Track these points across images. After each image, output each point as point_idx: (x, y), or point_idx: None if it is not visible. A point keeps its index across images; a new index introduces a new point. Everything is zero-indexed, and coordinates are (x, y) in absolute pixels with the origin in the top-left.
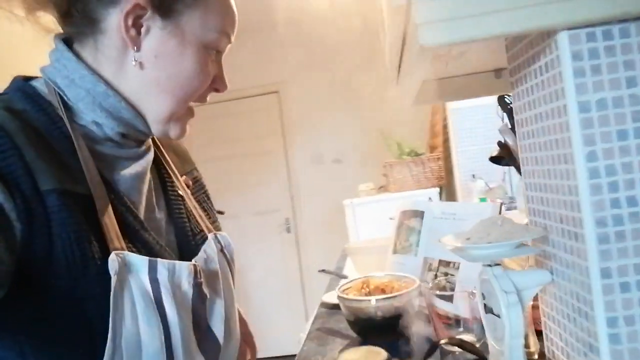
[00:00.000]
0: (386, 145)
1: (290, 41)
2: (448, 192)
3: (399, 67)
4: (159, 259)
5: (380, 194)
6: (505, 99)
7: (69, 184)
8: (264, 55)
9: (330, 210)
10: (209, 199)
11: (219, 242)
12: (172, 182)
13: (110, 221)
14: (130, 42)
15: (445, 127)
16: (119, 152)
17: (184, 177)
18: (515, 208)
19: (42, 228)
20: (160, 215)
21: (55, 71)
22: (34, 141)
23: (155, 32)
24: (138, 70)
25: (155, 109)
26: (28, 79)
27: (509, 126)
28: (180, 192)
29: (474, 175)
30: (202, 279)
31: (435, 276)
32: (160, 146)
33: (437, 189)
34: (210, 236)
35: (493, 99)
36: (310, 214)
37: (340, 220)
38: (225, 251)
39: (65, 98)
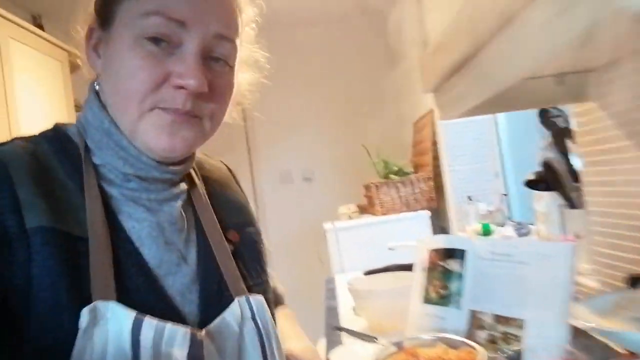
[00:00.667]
0: (371, 163)
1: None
2: (439, 215)
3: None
4: (147, 317)
5: (363, 217)
6: (550, 113)
7: (63, 223)
8: None
9: (300, 235)
10: (259, 259)
11: (249, 307)
12: (208, 234)
13: (103, 269)
14: (94, 69)
15: (434, 144)
16: (140, 196)
17: (231, 231)
18: (526, 234)
19: (23, 268)
20: (186, 270)
21: (82, 113)
22: (36, 178)
23: (103, 46)
24: (102, 93)
25: (120, 121)
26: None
27: (554, 146)
28: (214, 247)
29: (470, 198)
30: (207, 350)
31: (492, 339)
32: (203, 194)
33: (428, 212)
34: (237, 300)
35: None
36: (277, 238)
37: (310, 247)
38: (257, 318)
39: (86, 139)
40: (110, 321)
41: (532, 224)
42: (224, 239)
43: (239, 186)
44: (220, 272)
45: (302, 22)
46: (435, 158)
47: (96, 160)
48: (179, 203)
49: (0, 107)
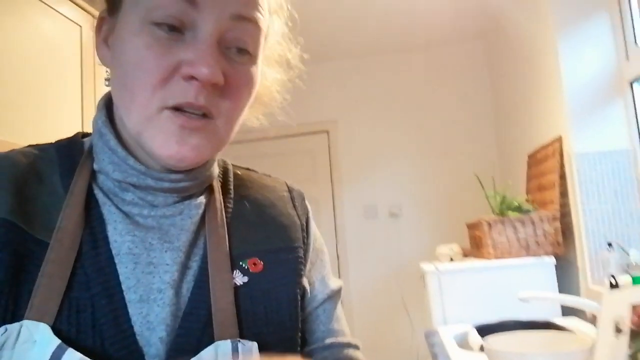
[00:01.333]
0: (486, 196)
1: (345, 74)
2: (567, 263)
3: None
4: (70, 350)
5: (468, 261)
6: None
7: (26, 221)
8: (314, 89)
9: (386, 277)
10: (288, 296)
11: (235, 352)
12: (211, 261)
13: (51, 281)
14: (104, 64)
15: (562, 177)
16: (131, 210)
17: (254, 259)
18: None
19: None
20: (170, 299)
21: None
22: (18, 181)
23: (112, 36)
24: (112, 91)
25: (127, 123)
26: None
27: None
28: (213, 278)
29: (610, 244)
30: None
31: None
32: (221, 215)
33: (552, 259)
34: (217, 343)
35: (626, 144)
36: (359, 279)
37: (396, 292)
38: None
39: (93, 144)
40: (35, 345)
41: None
42: (232, 269)
43: (295, 209)
44: (210, 309)
45: (394, 48)
46: (563, 195)
47: (95, 165)
48: (184, 222)
49: None
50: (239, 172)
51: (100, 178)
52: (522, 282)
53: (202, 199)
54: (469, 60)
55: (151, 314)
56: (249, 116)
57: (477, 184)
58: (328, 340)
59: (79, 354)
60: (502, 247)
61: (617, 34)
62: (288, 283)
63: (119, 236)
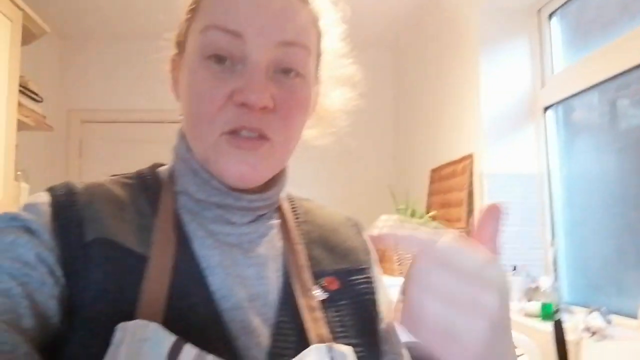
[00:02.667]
0: (397, 209)
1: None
2: None
3: None
4: (188, 345)
5: None
6: None
7: (124, 238)
8: None
9: None
10: (364, 316)
11: (332, 355)
12: (293, 275)
13: (155, 289)
14: (177, 99)
15: (470, 194)
16: (214, 228)
17: (331, 278)
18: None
19: (80, 280)
20: (261, 309)
21: None
22: (108, 202)
23: (179, 73)
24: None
25: (195, 149)
26: None
27: None
28: (297, 292)
29: (515, 267)
30: None
31: None
32: (296, 234)
33: None
34: (314, 347)
35: (536, 168)
36: None
37: None
38: None
39: (175, 169)
40: (148, 343)
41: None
42: (312, 284)
43: (357, 234)
44: (301, 318)
45: None
46: (470, 213)
47: (177, 188)
48: (262, 239)
49: None
50: (300, 200)
51: (182, 199)
52: None
53: (274, 220)
54: (372, 66)
55: (245, 320)
56: (315, 135)
57: (371, 190)
58: None
59: (196, 348)
60: (407, 262)
61: (536, 60)
62: (365, 301)
63: (208, 250)
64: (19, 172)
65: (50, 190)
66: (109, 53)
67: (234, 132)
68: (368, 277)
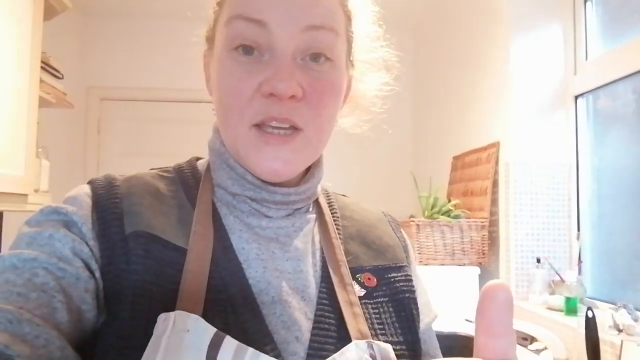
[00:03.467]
0: (419, 196)
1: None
2: (487, 273)
3: None
4: (228, 337)
5: None
6: None
7: (163, 232)
8: None
9: None
10: (402, 315)
11: (371, 355)
12: (332, 271)
13: (194, 282)
14: (210, 94)
15: (495, 183)
16: (251, 222)
17: (368, 274)
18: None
19: (120, 272)
20: (299, 303)
21: None
22: (146, 196)
23: (210, 68)
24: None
25: (226, 142)
26: None
27: None
28: (337, 286)
29: (538, 260)
30: None
31: None
32: (333, 229)
33: (477, 269)
34: (355, 342)
35: (564, 158)
36: None
37: None
38: None
39: (210, 162)
40: (189, 334)
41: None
42: (351, 278)
43: (395, 231)
44: (341, 313)
45: None
46: (493, 203)
47: (213, 181)
48: (299, 233)
49: None
50: (337, 195)
51: (219, 192)
52: (445, 290)
53: (310, 214)
54: (394, 48)
55: (284, 314)
56: (352, 123)
57: (391, 175)
58: None
59: (236, 341)
60: (427, 251)
61: (569, 46)
62: (403, 299)
63: (246, 243)
64: (39, 149)
65: (91, 182)
66: (129, 31)
67: (263, 125)
68: (406, 275)
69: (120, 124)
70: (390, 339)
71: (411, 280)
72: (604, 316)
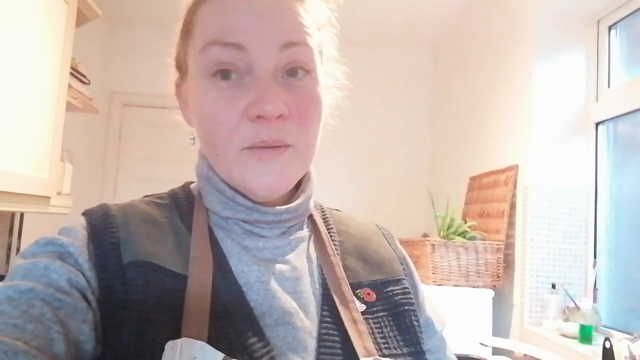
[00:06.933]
0: (435, 215)
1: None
2: (501, 297)
3: None
4: None
5: None
6: None
7: (161, 259)
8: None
9: None
10: (403, 327)
11: None
12: (331, 288)
13: (197, 308)
14: (189, 124)
15: (512, 206)
16: (247, 244)
17: (367, 289)
18: None
19: (120, 303)
20: (303, 323)
21: None
22: (142, 224)
23: (188, 97)
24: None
25: (216, 168)
26: None
27: None
28: (338, 303)
29: (554, 285)
30: None
31: None
32: (330, 245)
33: (492, 292)
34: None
35: (583, 184)
36: None
37: None
38: None
39: (200, 188)
40: None
41: None
42: (352, 295)
43: (390, 244)
44: (345, 330)
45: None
46: (510, 226)
47: (205, 205)
48: (296, 251)
49: None
50: (331, 210)
51: (213, 217)
52: (459, 312)
53: (305, 232)
54: (410, 66)
55: (288, 336)
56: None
57: (408, 193)
58: None
59: None
60: (442, 272)
61: (591, 72)
62: (402, 312)
63: (245, 266)
64: (63, 153)
65: (86, 213)
66: (154, 38)
67: (253, 146)
68: (404, 288)
69: (141, 130)
70: (394, 352)
71: (409, 293)
72: (620, 346)
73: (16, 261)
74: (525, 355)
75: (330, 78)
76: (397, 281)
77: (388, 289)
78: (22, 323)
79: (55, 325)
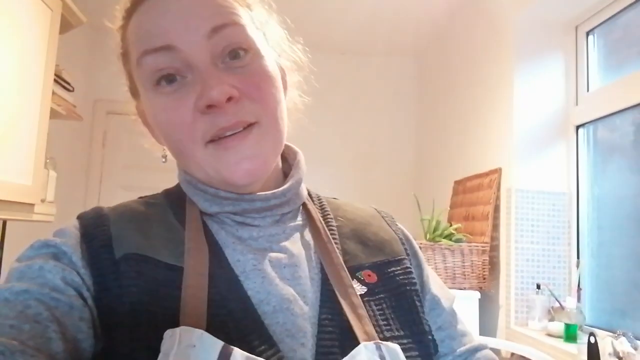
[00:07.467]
0: (421, 219)
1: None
2: (487, 298)
3: None
4: (237, 349)
5: None
6: None
7: (154, 252)
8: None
9: None
10: (406, 307)
11: (380, 356)
12: (329, 273)
13: (194, 298)
14: (158, 141)
15: (496, 209)
16: (241, 234)
17: (368, 271)
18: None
19: (114, 297)
20: (301, 309)
21: None
22: (136, 220)
23: (147, 114)
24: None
25: (191, 172)
26: None
27: None
28: (336, 288)
29: (538, 286)
30: None
31: None
32: (324, 231)
33: (478, 293)
34: (363, 345)
35: (565, 186)
36: None
37: None
38: None
39: (185, 191)
40: (195, 349)
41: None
42: (350, 279)
43: (390, 225)
44: (345, 315)
45: (323, 48)
46: (494, 228)
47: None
48: (291, 239)
49: None
50: (328, 198)
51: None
52: None
53: (299, 219)
54: (395, 73)
55: (287, 322)
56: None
57: (392, 198)
58: (468, 345)
59: (245, 353)
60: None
61: (570, 77)
62: (405, 291)
63: (241, 255)
64: (47, 160)
65: (79, 217)
66: None
67: (216, 138)
68: (406, 268)
69: (125, 138)
70: (396, 333)
71: (411, 273)
72: (604, 344)
73: (12, 265)
74: (512, 354)
75: (283, 56)
76: (399, 261)
77: (389, 270)
78: (19, 324)
79: (52, 325)
